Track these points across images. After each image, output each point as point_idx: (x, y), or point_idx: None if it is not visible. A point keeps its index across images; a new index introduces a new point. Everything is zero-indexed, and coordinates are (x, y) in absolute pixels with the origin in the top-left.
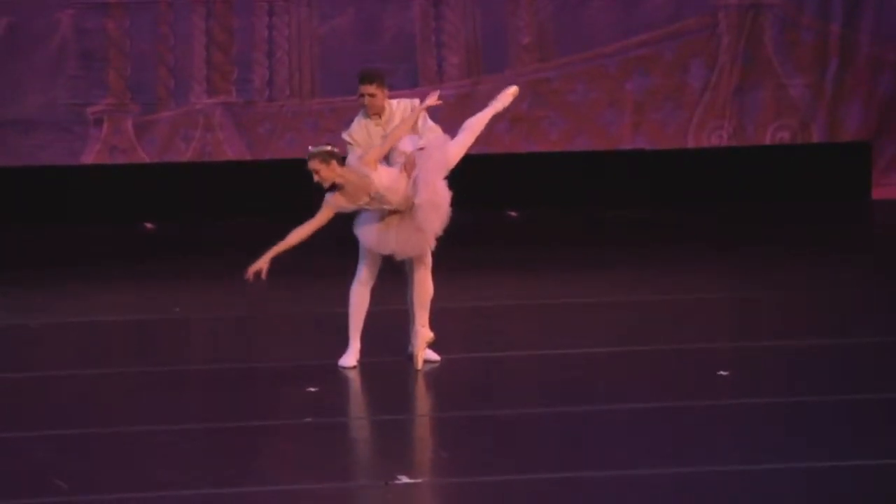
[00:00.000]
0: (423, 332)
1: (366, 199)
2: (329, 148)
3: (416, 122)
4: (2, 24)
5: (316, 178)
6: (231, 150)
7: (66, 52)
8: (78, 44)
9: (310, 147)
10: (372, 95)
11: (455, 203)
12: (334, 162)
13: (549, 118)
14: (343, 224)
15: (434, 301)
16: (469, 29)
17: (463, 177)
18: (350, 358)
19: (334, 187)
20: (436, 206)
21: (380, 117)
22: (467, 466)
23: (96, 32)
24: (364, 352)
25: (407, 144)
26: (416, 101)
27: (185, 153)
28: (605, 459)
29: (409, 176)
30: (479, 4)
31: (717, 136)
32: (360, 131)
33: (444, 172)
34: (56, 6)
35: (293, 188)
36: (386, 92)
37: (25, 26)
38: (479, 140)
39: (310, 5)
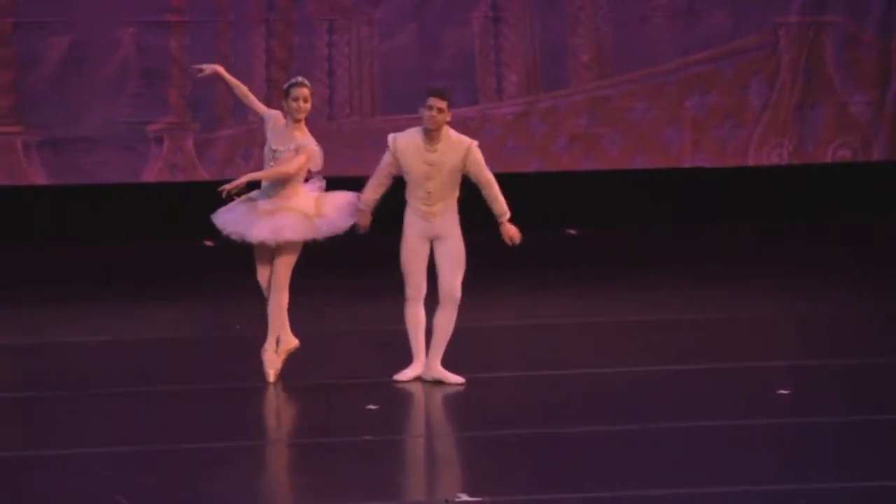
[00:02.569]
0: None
1: (281, 147)
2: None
3: None
4: (64, 43)
5: (306, 103)
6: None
7: (127, 71)
8: (139, 62)
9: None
10: (440, 110)
11: (515, 220)
12: None
13: (608, 136)
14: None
15: (491, 319)
16: (528, 47)
17: (522, 195)
18: (409, 371)
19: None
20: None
21: (436, 140)
22: (527, 484)
23: (157, 50)
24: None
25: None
26: (475, 143)
27: (244, 171)
28: (662, 478)
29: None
30: (539, 22)
31: (777, 155)
32: (407, 140)
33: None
34: (117, 24)
35: None
36: (449, 115)
37: (87, 45)
38: (539, 158)
39: (370, 23)
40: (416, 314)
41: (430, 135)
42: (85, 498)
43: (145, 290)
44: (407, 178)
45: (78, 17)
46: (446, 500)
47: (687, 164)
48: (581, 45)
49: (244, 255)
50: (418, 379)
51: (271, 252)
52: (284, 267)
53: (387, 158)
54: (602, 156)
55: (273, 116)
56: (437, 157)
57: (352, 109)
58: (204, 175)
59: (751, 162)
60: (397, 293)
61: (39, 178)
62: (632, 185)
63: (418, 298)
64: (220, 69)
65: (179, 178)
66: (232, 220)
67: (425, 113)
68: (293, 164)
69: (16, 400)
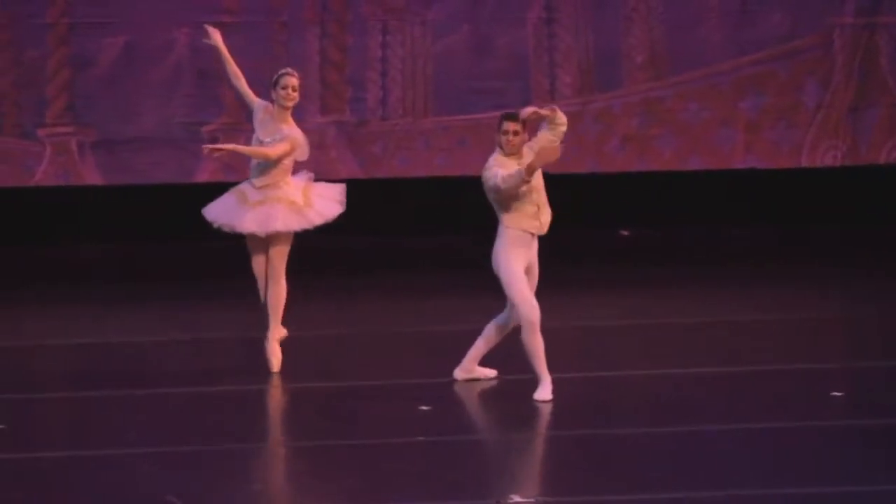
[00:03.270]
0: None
1: (268, 138)
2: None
3: None
4: (119, 43)
5: (295, 92)
6: (344, 168)
7: (181, 71)
8: (193, 62)
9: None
10: (516, 132)
11: (568, 221)
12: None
13: (661, 137)
14: (463, 248)
15: (543, 320)
16: (582, 47)
17: (575, 196)
18: (546, 391)
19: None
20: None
21: (519, 158)
22: (579, 485)
23: (211, 51)
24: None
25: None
26: (531, 144)
27: (297, 172)
28: (717, 479)
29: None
30: (593, 23)
31: (831, 156)
32: (508, 168)
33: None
34: (172, 25)
35: (405, 206)
36: (526, 134)
37: (142, 45)
38: (592, 159)
39: (423, 24)
40: (540, 339)
41: (514, 158)
42: (137, 497)
43: (202, 290)
44: (513, 202)
45: (132, 17)
46: (498, 501)
47: (740, 166)
48: (635, 47)
49: (297, 257)
50: (458, 380)
51: (264, 242)
52: (280, 257)
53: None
54: (655, 157)
55: (262, 107)
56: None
57: (405, 110)
58: None
59: (804, 163)
60: (441, 294)
61: (94, 178)
62: (685, 186)
63: (539, 321)
64: (220, 42)
65: (233, 178)
66: (222, 212)
67: (502, 139)
68: (276, 149)
69: (72, 399)
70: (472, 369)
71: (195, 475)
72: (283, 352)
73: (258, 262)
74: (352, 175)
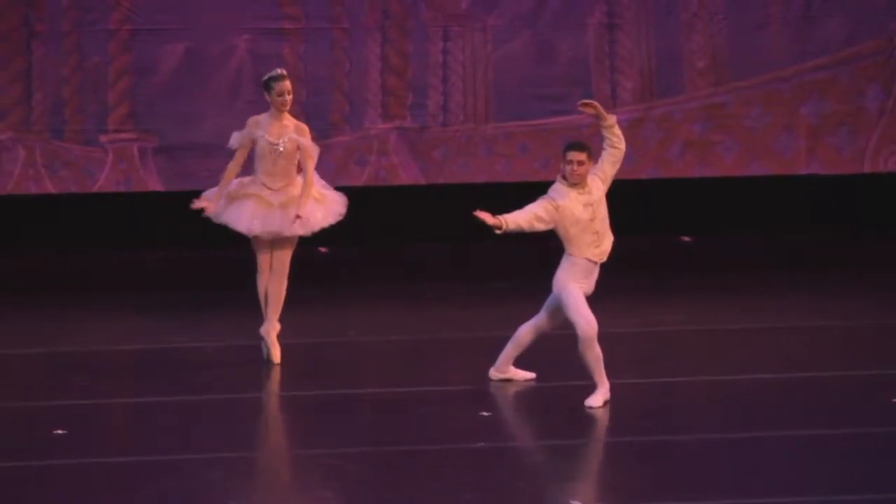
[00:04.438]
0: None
1: (279, 139)
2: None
3: None
4: (179, 50)
5: (290, 95)
6: (405, 174)
7: (242, 78)
8: (254, 69)
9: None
10: (581, 163)
11: (628, 228)
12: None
13: (723, 143)
14: (529, 252)
15: (600, 325)
16: (643, 53)
17: (636, 201)
18: (597, 398)
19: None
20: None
21: (582, 187)
22: (639, 492)
23: (272, 58)
24: (537, 376)
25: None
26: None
27: (359, 178)
28: (778, 486)
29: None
30: (654, 29)
31: (894, 161)
32: (565, 198)
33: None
34: (232, 32)
35: (467, 212)
36: (591, 163)
37: (202, 51)
38: (653, 165)
39: (484, 30)
40: (598, 351)
41: (578, 188)
42: (196, 502)
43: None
44: (572, 231)
45: (194, 24)
46: None
47: (802, 171)
48: (696, 52)
49: (357, 262)
50: (506, 381)
51: (271, 240)
52: (287, 254)
53: (543, 211)
54: (716, 163)
55: (252, 121)
56: (591, 196)
57: (466, 116)
58: None
59: (867, 169)
60: (501, 300)
61: (155, 184)
62: (746, 192)
63: (595, 336)
64: (209, 203)
65: None
66: (253, 220)
67: (567, 168)
68: (312, 171)
69: (134, 405)
70: (507, 370)
71: (258, 481)
72: (352, 358)
73: (265, 260)
74: (413, 181)
